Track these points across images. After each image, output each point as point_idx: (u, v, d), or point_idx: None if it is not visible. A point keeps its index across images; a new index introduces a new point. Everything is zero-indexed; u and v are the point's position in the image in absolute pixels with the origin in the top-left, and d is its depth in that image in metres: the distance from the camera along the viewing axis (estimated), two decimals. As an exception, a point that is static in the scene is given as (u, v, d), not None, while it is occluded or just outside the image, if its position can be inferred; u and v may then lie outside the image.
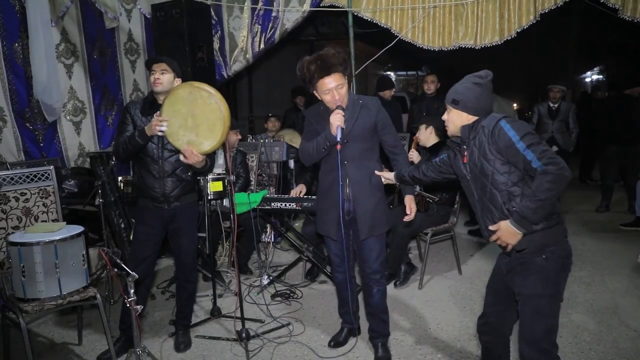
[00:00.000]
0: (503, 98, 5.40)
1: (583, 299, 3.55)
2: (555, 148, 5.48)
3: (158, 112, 2.63)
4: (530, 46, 11.01)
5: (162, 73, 2.68)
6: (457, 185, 2.30)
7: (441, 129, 3.83)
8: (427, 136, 3.84)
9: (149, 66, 2.72)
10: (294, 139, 5.37)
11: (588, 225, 5.59)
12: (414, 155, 3.75)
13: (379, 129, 2.62)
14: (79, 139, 4.71)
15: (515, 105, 13.38)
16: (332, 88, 2.47)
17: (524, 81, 17.15)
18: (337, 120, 2.42)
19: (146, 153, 2.73)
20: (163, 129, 2.56)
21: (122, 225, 4.17)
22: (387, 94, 5.54)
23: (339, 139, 2.42)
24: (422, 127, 3.86)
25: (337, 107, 2.47)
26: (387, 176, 2.63)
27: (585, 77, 20.15)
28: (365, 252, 2.70)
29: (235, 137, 4.24)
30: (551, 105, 5.48)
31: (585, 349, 2.84)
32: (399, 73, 21.19)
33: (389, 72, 19.82)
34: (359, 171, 2.61)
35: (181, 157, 2.60)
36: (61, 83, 4.46)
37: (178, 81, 2.75)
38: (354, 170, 2.60)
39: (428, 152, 3.86)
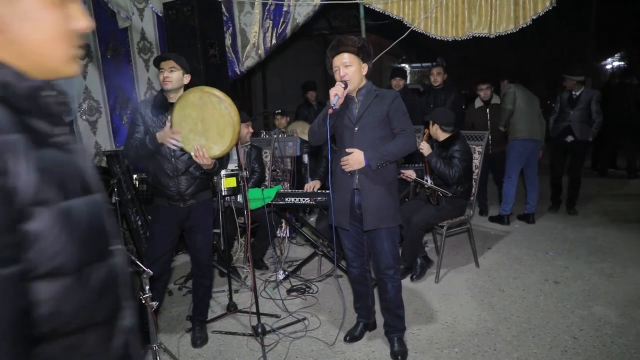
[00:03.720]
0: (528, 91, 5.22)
1: (604, 291, 3.47)
2: (570, 138, 5.22)
3: (169, 117, 2.63)
4: (548, 34, 10.77)
5: (171, 71, 2.68)
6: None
7: (446, 124, 3.79)
8: (434, 131, 3.84)
9: (157, 64, 2.72)
10: (306, 130, 5.35)
11: (609, 215, 5.47)
12: (424, 147, 3.72)
13: (390, 116, 2.59)
14: (95, 138, 4.76)
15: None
16: (339, 65, 2.55)
17: (542, 70, 16.80)
18: (334, 90, 2.48)
19: (159, 152, 2.74)
20: (178, 145, 2.62)
21: (139, 223, 4.22)
22: (394, 83, 5.42)
23: (332, 104, 2.46)
24: (430, 122, 3.87)
25: (341, 81, 2.53)
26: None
27: (606, 65, 19.70)
28: (377, 247, 2.68)
29: (246, 130, 4.16)
30: (573, 93, 5.24)
31: (607, 342, 2.78)
32: (414, 65, 21.01)
33: (403, 64, 19.68)
34: None
35: (192, 155, 2.63)
36: (76, 83, 4.50)
37: (187, 77, 2.75)
38: None
39: (439, 147, 3.82)
